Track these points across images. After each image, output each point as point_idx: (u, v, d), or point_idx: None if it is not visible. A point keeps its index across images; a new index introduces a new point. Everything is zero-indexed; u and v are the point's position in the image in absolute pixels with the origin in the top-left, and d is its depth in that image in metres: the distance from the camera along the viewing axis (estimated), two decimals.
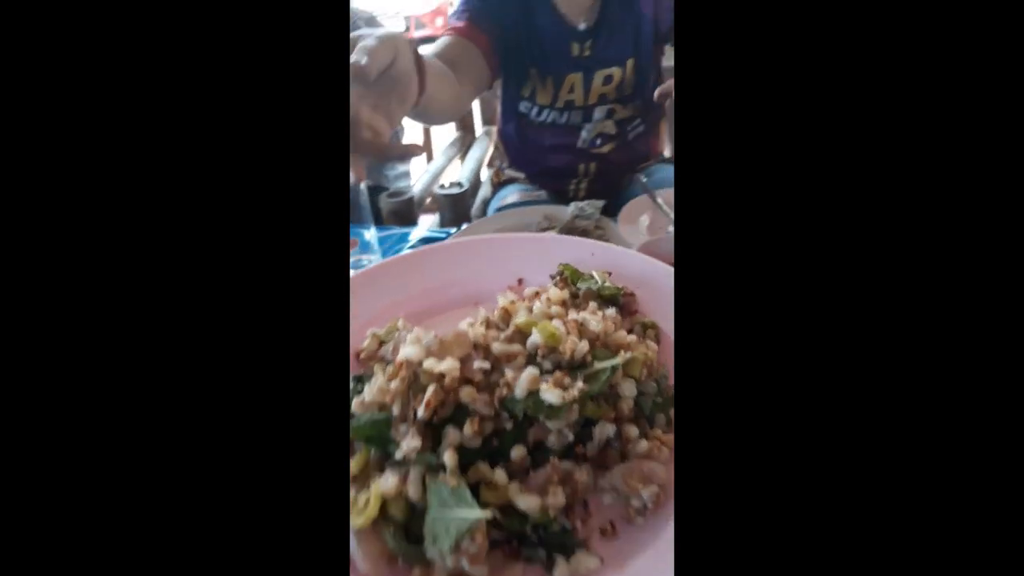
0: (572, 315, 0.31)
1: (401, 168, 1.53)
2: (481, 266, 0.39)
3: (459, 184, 1.19)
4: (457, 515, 0.22)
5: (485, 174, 1.39)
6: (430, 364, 0.27)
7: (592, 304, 0.33)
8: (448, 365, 0.26)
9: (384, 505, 0.24)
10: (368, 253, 0.86)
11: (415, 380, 0.27)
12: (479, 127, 1.58)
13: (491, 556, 0.23)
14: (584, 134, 1.07)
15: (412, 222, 1.04)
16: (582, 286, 0.35)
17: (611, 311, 0.33)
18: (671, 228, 0.82)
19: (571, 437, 0.26)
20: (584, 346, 0.28)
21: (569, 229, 0.81)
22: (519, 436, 0.26)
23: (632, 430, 0.27)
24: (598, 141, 1.08)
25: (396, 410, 0.26)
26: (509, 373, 0.27)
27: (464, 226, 0.89)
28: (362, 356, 0.34)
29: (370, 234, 0.89)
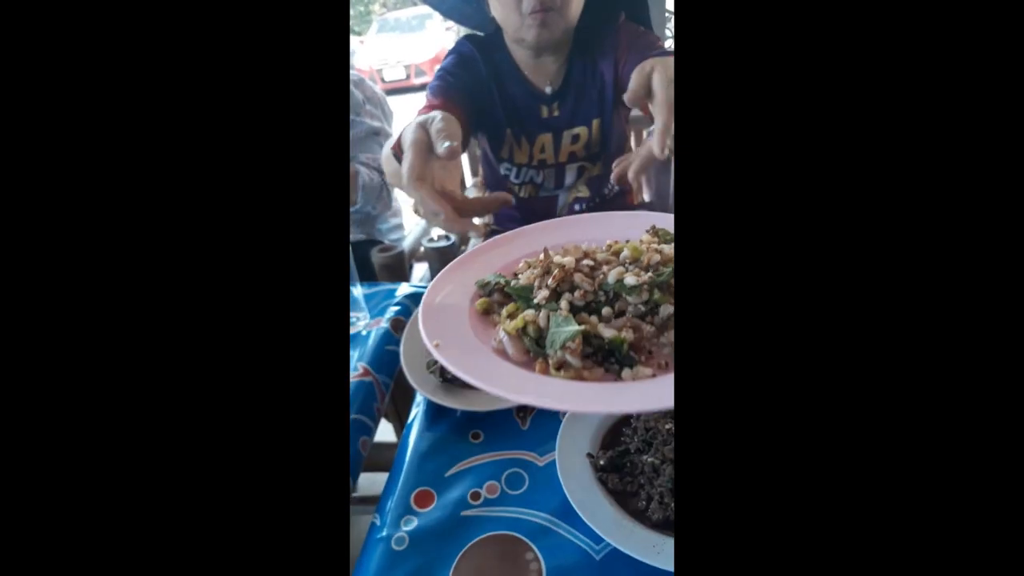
0: (664, 248, 0.44)
1: (394, 221, 1.59)
2: (593, 231, 0.52)
3: (447, 237, 1.25)
4: (565, 330, 0.37)
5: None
6: (557, 259, 0.44)
7: (669, 244, 0.46)
8: (568, 260, 0.43)
9: (524, 327, 0.39)
10: (356, 311, 0.92)
11: (548, 269, 0.43)
12: (468, 180, 1.66)
13: (583, 360, 0.36)
14: (560, 201, 1.14)
15: (403, 277, 1.09)
16: (665, 237, 0.48)
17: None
18: None
19: (643, 309, 0.39)
20: (656, 257, 0.42)
21: None
22: (609, 303, 0.40)
23: None
24: (576, 207, 1.15)
25: (536, 283, 0.42)
26: (606, 268, 0.42)
27: None
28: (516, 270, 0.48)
29: (357, 291, 0.95)
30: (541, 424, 0.65)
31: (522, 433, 0.65)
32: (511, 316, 0.41)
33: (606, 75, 1.04)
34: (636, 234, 0.50)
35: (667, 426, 0.57)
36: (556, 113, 1.06)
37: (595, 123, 1.07)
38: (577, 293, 0.40)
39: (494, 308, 0.44)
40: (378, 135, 1.44)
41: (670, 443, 0.56)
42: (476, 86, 1.03)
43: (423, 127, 0.50)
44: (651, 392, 0.34)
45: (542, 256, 0.45)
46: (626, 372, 0.36)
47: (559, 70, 1.05)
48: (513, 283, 0.44)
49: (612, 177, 0.57)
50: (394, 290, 0.96)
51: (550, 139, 1.08)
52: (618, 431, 0.61)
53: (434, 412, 0.68)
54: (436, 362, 0.62)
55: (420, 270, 1.37)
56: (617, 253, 0.46)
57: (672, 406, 0.31)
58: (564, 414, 0.61)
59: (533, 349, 0.39)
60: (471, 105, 1.00)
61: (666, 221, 0.50)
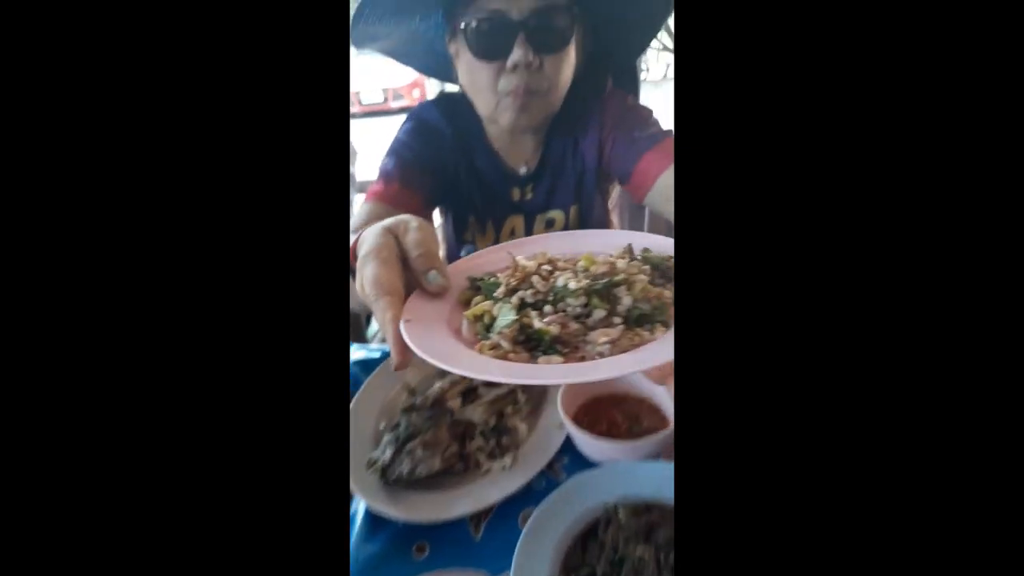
0: (619, 262, 0.48)
1: None
2: (582, 244, 0.55)
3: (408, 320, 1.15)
4: (505, 318, 0.43)
5: None
6: (522, 262, 0.50)
7: (637, 263, 0.49)
8: (531, 264, 0.49)
9: (482, 315, 0.45)
10: None
11: (515, 271, 0.49)
12: None
13: (515, 345, 0.41)
14: None
15: (356, 335, 1.00)
16: (640, 255, 0.51)
17: (647, 267, 0.48)
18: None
19: (579, 310, 0.43)
20: (604, 268, 0.46)
21: None
22: (552, 303, 0.45)
23: (616, 319, 0.42)
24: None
25: (504, 282, 0.48)
26: (559, 274, 0.47)
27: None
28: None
29: None
30: (497, 534, 0.56)
31: (474, 545, 0.56)
32: (477, 317, 0.46)
33: (588, 156, 0.93)
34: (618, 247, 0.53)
35: (639, 553, 0.48)
36: (529, 196, 0.96)
37: (573, 209, 0.96)
38: (529, 292, 0.46)
39: (471, 298, 0.49)
40: None
41: (644, 572, 0.47)
42: (438, 162, 0.92)
43: (391, 233, 0.46)
44: (549, 372, 0.39)
45: (513, 262, 0.51)
46: (542, 358, 0.41)
47: (536, 148, 0.94)
48: (490, 280, 0.49)
49: None
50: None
51: (521, 223, 0.97)
52: (584, 548, 0.52)
53: (373, 519, 0.58)
54: (376, 460, 0.59)
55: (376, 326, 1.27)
56: (575, 264, 0.51)
57: (565, 382, 0.41)
58: (524, 528, 0.52)
59: (482, 334, 0.44)
60: (432, 184, 0.90)
61: (651, 242, 0.53)
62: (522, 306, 0.44)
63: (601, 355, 0.39)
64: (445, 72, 0.93)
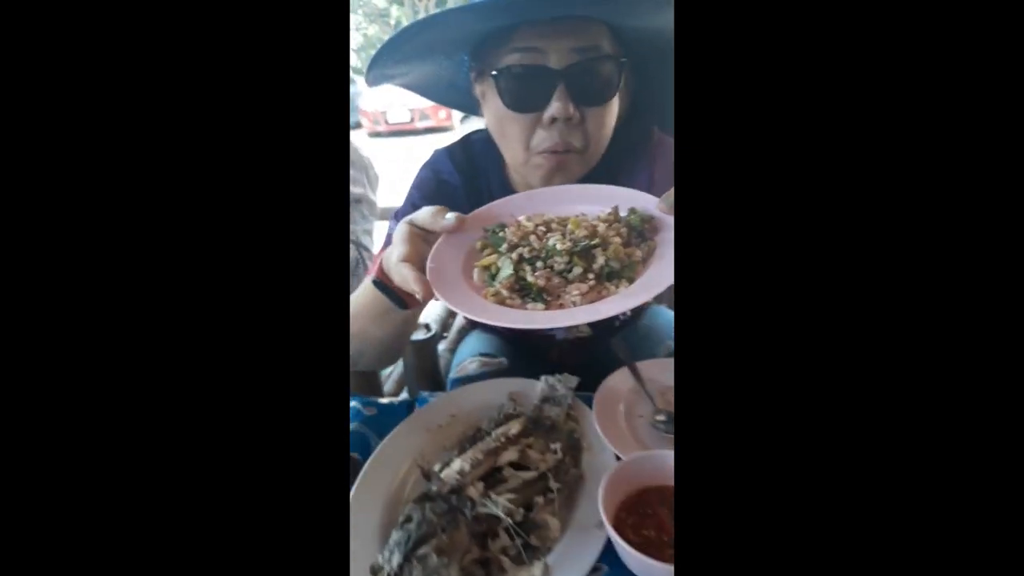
0: (600, 225, 0.56)
1: None
2: (578, 202, 0.63)
3: (427, 327, 1.07)
4: (505, 271, 0.54)
5: (459, 317, 1.26)
6: (524, 223, 0.59)
7: (618, 224, 0.56)
8: (529, 224, 0.58)
9: (489, 266, 0.56)
10: None
11: (517, 229, 0.59)
12: None
13: (512, 293, 0.53)
14: (559, 336, 0.96)
15: (373, 386, 0.91)
16: (625, 217, 0.58)
17: (624, 228, 0.56)
18: (660, 417, 0.68)
19: (563, 266, 0.53)
20: (585, 232, 0.55)
21: (535, 420, 0.68)
22: (543, 259, 0.54)
23: (590, 275, 0.52)
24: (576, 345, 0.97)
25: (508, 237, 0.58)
26: (551, 235, 0.56)
27: (418, 407, 0.76)
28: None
29: None
30: None
31: None
32: (485, 268, 0.56)
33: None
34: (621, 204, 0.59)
35: None
36: None
37: None
38: (526, 249, 0.55)
39: (485, 246, 0.58)
40: (359, 203, 1.27)
41: None
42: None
43: (410, 224, 0.59)
44: (535, 317, 0.49)
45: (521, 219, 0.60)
46: (530, 304, 0.51)
47: None
48: (500, 233, 0.58)
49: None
50: (355, 409, 0.77)
51: None
52: None
53: None
54: (381, 568, 0.52)
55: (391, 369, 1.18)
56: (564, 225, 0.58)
57: (541, 327, 0.49)
58: None
59: (488, 282, 0.54)
60: None
61: (638, 200, 0.59)
62: (520, 260, 0.54)
63: (575, 304, 0.50)
64: (470, 107, 0.84)
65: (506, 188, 0.85)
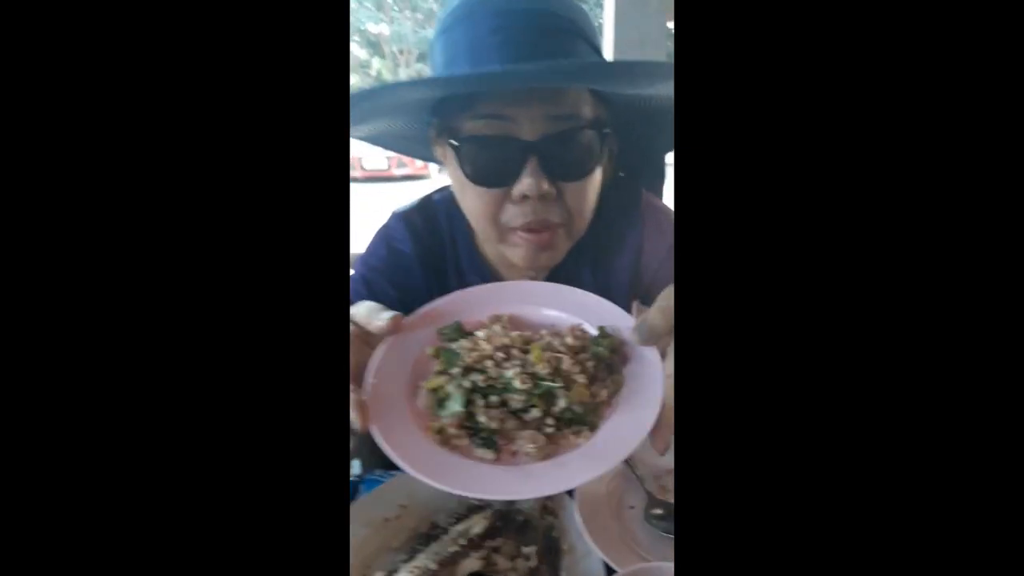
0: (564, 359, 0.48)
1: None
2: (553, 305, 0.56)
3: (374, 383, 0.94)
4: (454, 408, 0.45)
5: None
6: (482, 344, 0.49)
7: (584, 354, 0.48)
8: (488, 348, 0.49)
9: (437, 388, 0.47)
10: None
11: (473, 349, 0.49)
12: None
13: (460, 431, 0.45)
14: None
15: None
16: (593, 344, 0.50)
17: (591, 361, 0.48)
18: (657, 511, 0.56)
19: (519, 405, 0.45)
20: (548, 369, 0.46)
21: (504, 516, 0.55)
22: (498, 393, 0.46)
23: (549, 420, 0.45)
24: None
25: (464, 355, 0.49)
26: (510, 365, 0.47)
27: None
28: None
29: None
30: None
31: None
32: (434, 391, 0.47)
33: (619, 277, 0.73)
34: (593, 320, 0.52)
35: None
36: None
37: None
38: (481, 378, 0.46)
39: (438, 353, 0.50)
40: None
41: None
42: (401, 292, 0.72)
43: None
44: (483, 477, 0.41)
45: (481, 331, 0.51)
46: (479, 450, 0.43)
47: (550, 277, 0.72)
48: (454, 343, 0.50)
49: (659, 451, 0.44)
50: None
51: None
52: None
53: None
54: None
55: None
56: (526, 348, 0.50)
57: (486, 496, 0.48)
58: None
59: (434, 409, 0.46)
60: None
61: (614, 316, 0.51)
62: (473, 390, 0.46)
63: (527, 455, 0.43)
64: (435, 160, 0.74)
65: (475, 260, 0.74)
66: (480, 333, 0.51)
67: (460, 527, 0.54)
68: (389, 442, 0.41)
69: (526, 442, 0.43)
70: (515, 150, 0.58)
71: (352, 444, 1.05)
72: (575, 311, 0.53)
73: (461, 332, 0.51)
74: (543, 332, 0.51)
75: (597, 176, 0.65)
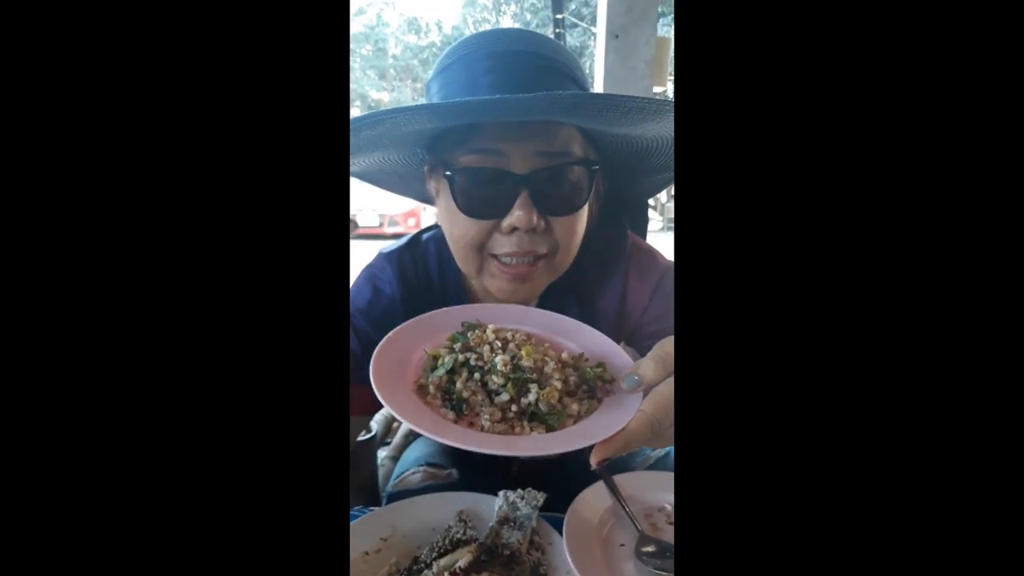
0: (550, 363, 0.53)
1: None
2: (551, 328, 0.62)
3: (366, 427, 0.91)
4: (442, 369, 0.52)
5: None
6: (488, 333, 0.56)
7: (570, 369, 0.53)
8: (490, 335, 0.55)
9: (436, 355, 0.54)
10: None
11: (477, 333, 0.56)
12: None
13: (438, 391, 0.51)
14: (515, 464, 0.84)
15: None
16: (585, 368, 0.54)
17: (574, 377, 0.52)
18: (648, 548, 0.54)
19: (494, 386, 0.50)
20: (531, 363, 0.51)
21: (490, 549, 0.53)
22: (482, 373, 0.51)
23: (513, 407, 0.49)
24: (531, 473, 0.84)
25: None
26: (501, 353, 0.53)
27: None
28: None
29: None
30: None
31: None
32: (434, 357, 0.54)
33: (604, 316, 0.74)
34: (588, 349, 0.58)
35: None
36: None
37: None
38: (473, 356, 0.52)
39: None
40: None
41: None
42: (382, 334, 0.74)
43: None
44: (443, 427, 0.47)
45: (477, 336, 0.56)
46: (444, 410, 0.49)
47: (528, 302, 0.73)
48: (468, 333, 0.56)
49: (592, 461, 0.46)
50: None
51: None
52: None
53: None
54: None
55: None
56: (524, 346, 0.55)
57: (438, 437, 0.44)
58: None
59: (427, 371, 0.52)
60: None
61: (613, 357, 0.56)
62: (463, 363, 0.51)
63: (483, 427, 0.47)
64: (424, 198, 0.76)
65: (462, 298, 0.75)
66: (491, 326, 0.56)
67: (444, 561, 0.51)
68: (378, 382, 0.48)
69: (487, 417, 0.48)
70: (507, 183, 0.60)
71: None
72: (586, 344, 0.58)
73: (476, 325, 0.57)
74: (546, 344, 0.56)
75: (585, 212, 0.66)
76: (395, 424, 1.10)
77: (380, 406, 0.78)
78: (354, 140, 0.61)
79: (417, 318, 0.58)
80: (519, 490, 0.60)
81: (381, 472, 0.93)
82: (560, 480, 0.68)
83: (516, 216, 0.60)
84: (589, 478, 0.63)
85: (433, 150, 0.67)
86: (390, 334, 0.54)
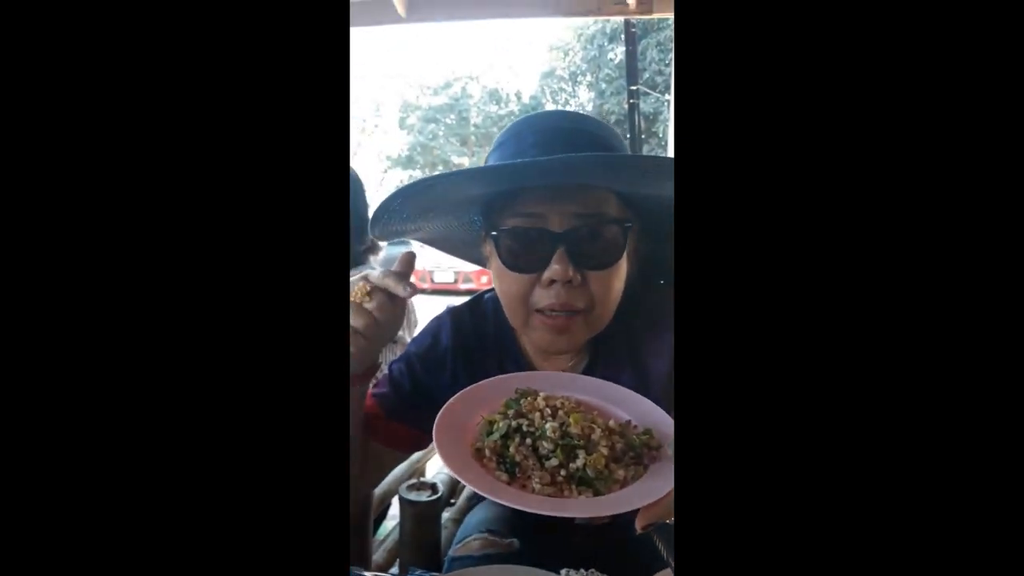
0: (597, 430, 0.57)
1: None
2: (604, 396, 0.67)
3: (432, 487, 0.93)
4: (497, 434, 0.57)
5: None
6: (539, 401, 0.61)
7: (617, 436, 0.57)
8: (541, 403, 0.60)
9: (492, 421, 0.59)
10: None
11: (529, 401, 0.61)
12: None
13: (493, 455, 0.55)
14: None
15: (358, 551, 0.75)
16: (633, 435, 0.58)
17: (620, 444, 0.56)
18: None
19: (544, 451, 0.55)
20: (579, 431, 0.55)
21: None
22: (534, 438, 0.56)
23: (562, 472, 0.53)
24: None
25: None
26: (551, 420, 0.57)
27: None
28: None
29: None
30: None
31: None
32: (490, 422, 0.58)
33: (658, 379, 0.75)
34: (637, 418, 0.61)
35: None
36: None
37: None
38: (525, 422, 0.56)
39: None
40: (395, 343, 1.22)
41: None
42: (438, 391, 0.76)
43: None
44: (496, 487, 0.51)
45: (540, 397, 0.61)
46: (499, 472, 0.53)
47: (579, 362, 0.77)
48: (521, 400, 0.60)
49: (637, 525, 0.50)
50: None
51: None
52: None
53: None
54: None
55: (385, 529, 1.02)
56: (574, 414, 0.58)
57: (494, 497, 0.49)
58: None
59: (483, 434, 0.57)
60: (426, 416, 0.74)
61: (659, 425, 0.58)
62: (516, 429, 0.55)
63: (534, 490, 0.51)
64: (482, 263, 0.84)
65: (515, 353, 0.80)
66: (542, 393, 0.61)
67: None
68: (440, 446, 0.53)
69: (537, 480, 0.52)
70: (546, 240, 0.67)
71: (393, 543, 1.02)
72: (632, 411, 0.61)
73: (529, 393, 0.62)
74: (595, 412, 0.61)
75: (622, 267, 0.70)
76: (459, 486, 1.10)
77: (420, 447, 0.82)
78: (413, 204, 0.71)
79: (476, 385, 0.63)
80: (582, 570, 0.58)
81: (444, 534, 0.93)
82: (626, 559, 0.66)
83: (553, 269, 0.65)
84: (657, 563, 0.61)
85: (485, 216, 0.75)
86: (452, 401, 0.59)
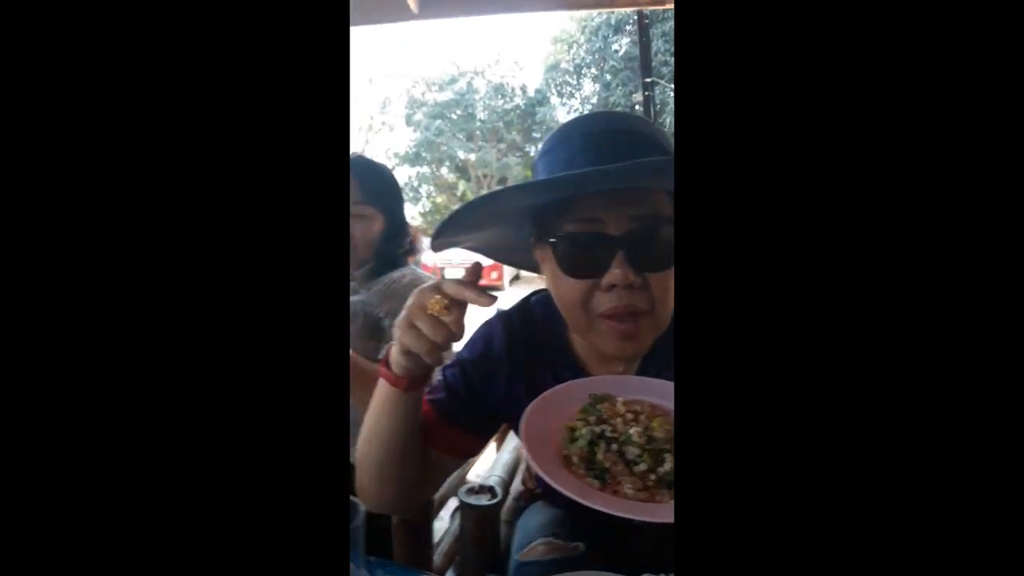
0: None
1: None
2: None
3: (491, 491, 0.97)
4: (583, 442, 0.59)
5: (517, 482, 1.14)
6: (619, 407, 0.64)
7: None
8: (621, 408, 0.63)
9: (574, 428, 0.61)
10: None
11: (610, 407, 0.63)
12: None
13: (582, 463, 0.58)
14: None
15: (420, 554, 0.80)
16: None
17: None
18: None
19: (632, 456, 0.58)
20: (663, 434, 0.58)
21: None
22: (619, 444, 0.59)
23: (651, 476, 0.56)
24: None
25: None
26: (635, 425, 0.60)
27: None
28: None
29: None
30: None
31: None
32: (571, 429, 0.62)
33: None
34: None
35: None
36: None
37: None
38: (608, 428, 0.59)
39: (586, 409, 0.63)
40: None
41: None
42: (492, 395, 0.82)
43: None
44: (592, 494, 0.53)
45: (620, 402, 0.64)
46: (591, 480, 0.55)
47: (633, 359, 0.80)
48: (599, 405, 0.63)
49: None
50: None
51: None
52: None
53: None
54: None
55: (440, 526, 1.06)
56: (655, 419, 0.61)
57: (591, 504, 0.51)
58: None
59: (566, 441, 0.60)
60: (481, 421, 0.81)
61: None
62: (599, 435, 0.58)
63: (627, 495, 0.53)
64: (532, 267, 0.85)
65: (568, 355, 0.83)
66: (620, 398, 0.64)
67: None
68: (531, 451, 0.55)
69: (629, 485, 0.54)
70: (604, 245, 0.68)
71: (449, 545, 1.06)
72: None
73: (605, 398, 0.64)
74: (671, 415, 0.62)
75: None
76: (510, 483, 1.15)
77: (474, 453, 0.86)
78: (474, 217, 0.73)
79: (551, 391, 0.65)
80: (661, 575, 0.62)
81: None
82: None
83: (614, 274, 0.67)
84: None
85: (538, 223, 0.76)
86: (532, 409, 0.61)
